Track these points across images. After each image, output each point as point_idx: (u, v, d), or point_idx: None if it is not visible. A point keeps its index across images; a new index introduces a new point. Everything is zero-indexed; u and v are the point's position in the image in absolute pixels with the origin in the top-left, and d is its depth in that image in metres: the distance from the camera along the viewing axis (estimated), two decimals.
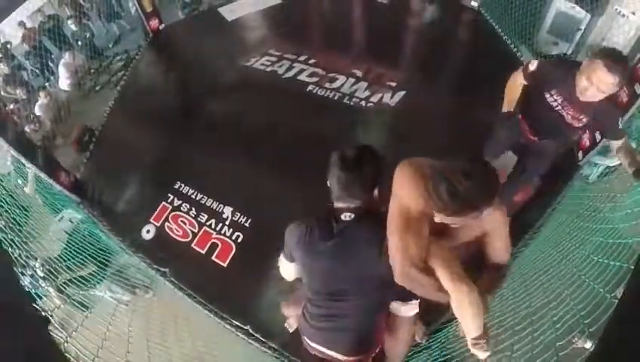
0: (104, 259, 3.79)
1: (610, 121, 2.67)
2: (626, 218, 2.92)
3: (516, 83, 2.86)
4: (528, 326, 2.42)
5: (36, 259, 3.35)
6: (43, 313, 2.31)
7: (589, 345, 2.26)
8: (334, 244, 1.76)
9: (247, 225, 3.91)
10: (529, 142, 3.09)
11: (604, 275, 2.36)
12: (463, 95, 4.63)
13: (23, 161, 3.82)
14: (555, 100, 2.66)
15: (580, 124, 2.68)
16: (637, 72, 3.42)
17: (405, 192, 1.63)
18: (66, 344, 2.27)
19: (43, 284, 3.24)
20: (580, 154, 4.14)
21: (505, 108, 3.01)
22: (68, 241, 3.65)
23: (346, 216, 1.76)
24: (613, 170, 4.06)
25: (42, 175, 4.03)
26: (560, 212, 3.83)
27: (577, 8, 5.80)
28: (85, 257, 3.59)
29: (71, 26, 6.87)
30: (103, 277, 3.72)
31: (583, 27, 5.90)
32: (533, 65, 2.70)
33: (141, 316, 3.41)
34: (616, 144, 2.75)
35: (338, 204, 1.80)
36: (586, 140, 4.08)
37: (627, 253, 2.41)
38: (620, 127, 2.71)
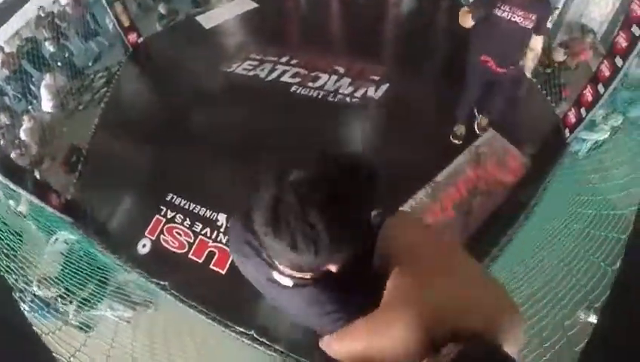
0: (103, 277, 3.77)
1: (543, 14, 3.10)
2: (616, 188, 2.97)
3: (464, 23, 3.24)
4: (533, 306, 2.43)
5: (35, 282, 3.34)
6: (43, 335, 2.30)
7: (594, 319, 2.25)
8: None
9: None
10: (497, 76, 3.53)
11: (604, 248, 2.38)
12: (447, 82, 4.65)
13: (12, 186, 3.79)
14: (504, 10, 3.06)
15: (532, 24, 3.07)
16: (617, 45, 3.47)
17: None
18: None
19: (43, 307, 3.22)
20: (567, 131, 4.20)
21: None
22: (65, 263, 3.63)
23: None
24: (602, 144, 4.11)
25: (33, 199, 4.00)
26: (553, 189, 3.88)
27: None
28: (83, 277, 3.57)
29: (49, 47, 6.82)
30: (103, 296, 3.71)
31: (559, 6, 5.97)
32: None
33: (144, 331, 3.40)
34: (538, 39, 3.29)
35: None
36: (572, 117, 4.13)
37: (623, 225, 2.44)
38: (549, 25, 3.26)
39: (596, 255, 2.36)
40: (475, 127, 4.34)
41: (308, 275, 0.96)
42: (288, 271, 0.93)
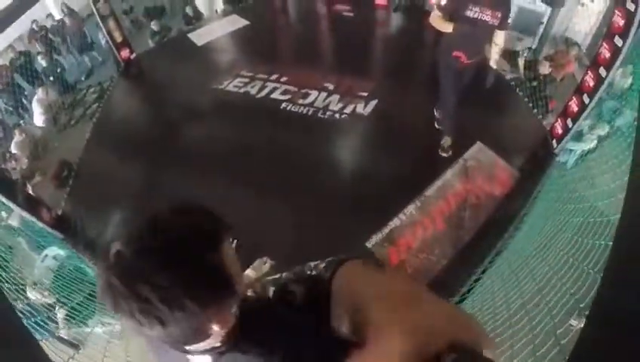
0: (93, 291, 3.73)
1: (506, 12, 3.51)
2: (603, 195, 3.02)
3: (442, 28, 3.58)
4: (524, 317, 2.45)
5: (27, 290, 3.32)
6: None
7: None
8: None
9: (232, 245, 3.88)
10: (464, 67, 3.84)
11: (592, 255, 2.41)
12: (435, 98, 4.71)
13: (4, 200, 3.77)
14: (475, 11, 3.42)
15: (498, 21, 3.48)
16: (600, 56, 3.56)
17: None
18: None
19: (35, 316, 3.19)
20: (555, 142, 4.27)
21: None
22: (54, 278, 3.61)
23: None
24: (588, 153, 4.18)
25: (24, 213, 3.98)
26: (542, 200, 3.92)
27: (538, 2, 6.02)
28: (73, 292, 3.54)
29: (41, 62, 6.83)
30: (94, 311, 3.67)
31: (544, 20, 6.09)
32: (443, 1, 3.51)
33: (138, 344, 3.35)
34: (501, 34, 3.64)
35: None
36: (559, 128, 4.20)
37: (611, 231, 2.47)
38: (509, 22, 3.67)
39: (585, 262, 2.39)
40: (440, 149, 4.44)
41: (209, 345, 0.85)
42: (193, 347, 0.83)
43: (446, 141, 4.36)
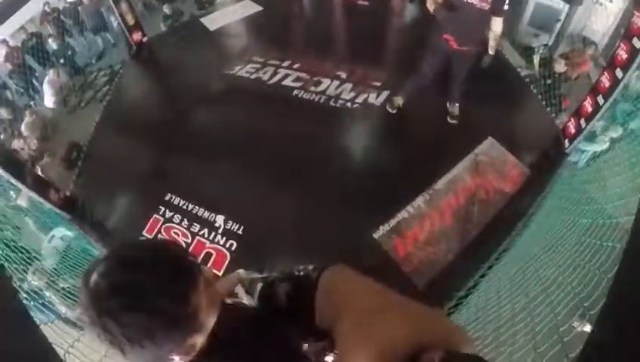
0: None
1: None
2: (613, 197, 2.99)
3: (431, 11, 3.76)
4: (527, 316, 2.44)
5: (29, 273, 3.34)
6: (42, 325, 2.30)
7: (589, 328, 2.27)
8: None
9: (240, 232, 3.90)
10: (454, 52, 3.88)
11: (599, 256, 2.39)
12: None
13: (13, 181, 3.79)
14: None
15: (488, 6, 3.46)
16: (617, 56, 3.50)
17: None
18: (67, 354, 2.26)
19: (37, 299, 3.22)
20: (567, 142, 4.22)
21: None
22: (61, 259, 3.63)
23: None
24: (600, 155, 4.13)
25: (32, 194, 4.00)
26: (551, 199, 3.89)
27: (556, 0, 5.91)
28: (79, 273, 3.56)
29: (52, 44, 6.83)
30: None
31: (562, 17, 6.01)
32: None
33: None
34: (497, 20, 3.57)
35: None
36: (571, 128, 4.15)
37: (619, 233, 2.45)
38: (505, 7, 3.54)
39: (591, 263, 2.37)
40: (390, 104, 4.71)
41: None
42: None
43: (396, 100, 4.65)
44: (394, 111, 4.63)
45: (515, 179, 4.07)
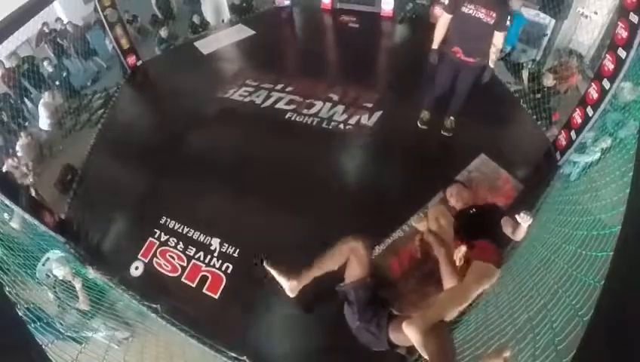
0: (94, 296, 3.72)
1: (502, 13, 3.67)
2: (606, 207, 3.01)
3: (443, 22, 3.93)
4: (529, 332, 2.43)
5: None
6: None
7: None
8: None
9: (235, 255, 3.90)
10: (462, 63, 4.05)
11: (595, 267, 2.40)
12: (440, 109, 4.73)
13: (8, 203, 3.77)
14: (470, 8, 3.67)
15: (493, 20, 3.64)
16: (604, 68, 3.57)
17: None
18: None
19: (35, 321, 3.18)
20: (558, 154, 4.26)
21: (435, 46, 4.10)
22: (56, 282, 3.59)
23: None
24: (591, 165, 4.16)
25: (26, 216, 3.98)
26: (545, 211, 3.90)
27: (542, 15, 6.04)
28: (74, 295, 3.52)
29: (47, 67, 6.87)
30: (94, 315, 3.65)
31: (548, 32, 6.12)
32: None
33: (135, 354, 3.33)
34: (499, 35, 3.75)
35: None
36: (562, 140, 4.20)
37: (613, 242, 2.46)
38: (507, 23, 3.82)
39: (588, 274, 2.38)
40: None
41: None
42: None
43: (424, 115, 4.82)
44: (425, 127, 4.79)
45: (509, 193, 4.10)
